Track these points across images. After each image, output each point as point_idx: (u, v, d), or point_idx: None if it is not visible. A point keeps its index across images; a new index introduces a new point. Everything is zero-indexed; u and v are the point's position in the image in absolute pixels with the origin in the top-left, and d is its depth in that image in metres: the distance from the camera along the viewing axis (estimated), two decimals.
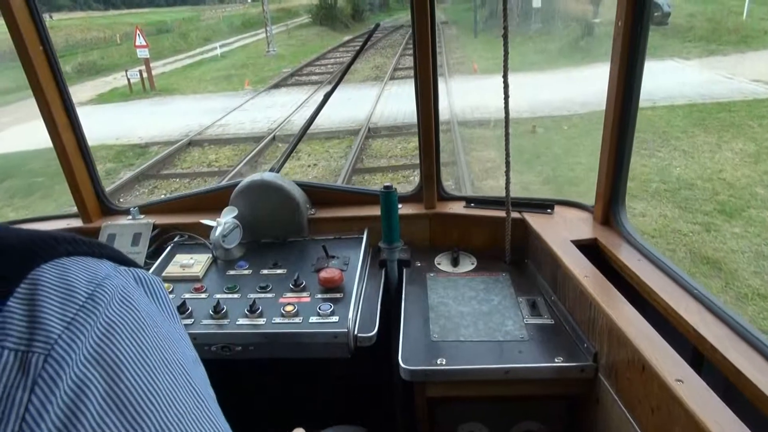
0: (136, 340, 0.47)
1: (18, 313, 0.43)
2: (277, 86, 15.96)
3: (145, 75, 15.57)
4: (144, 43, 15.30)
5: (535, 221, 1.70)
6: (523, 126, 8.87)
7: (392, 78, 15.71)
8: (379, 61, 19.79)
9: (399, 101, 12.46)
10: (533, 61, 14.40)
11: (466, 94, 11.53)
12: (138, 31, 15.52)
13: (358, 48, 2.04)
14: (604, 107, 1.49)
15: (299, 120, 11.39)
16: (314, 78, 16.77)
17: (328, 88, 2.00)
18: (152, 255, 1.84)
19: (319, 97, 1.92)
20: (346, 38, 27.70)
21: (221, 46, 25.15)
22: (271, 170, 1.91)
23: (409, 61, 16.21)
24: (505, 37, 1.46)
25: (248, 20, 37.45)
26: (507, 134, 1.57)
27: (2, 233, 0.47)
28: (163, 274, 1.71)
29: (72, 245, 0.49)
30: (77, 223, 1.99)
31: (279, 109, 12.80)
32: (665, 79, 10.98)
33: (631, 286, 1.36)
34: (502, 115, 1.54)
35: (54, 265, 0.46)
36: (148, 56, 15.71)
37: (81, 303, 0.45)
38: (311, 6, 36.43)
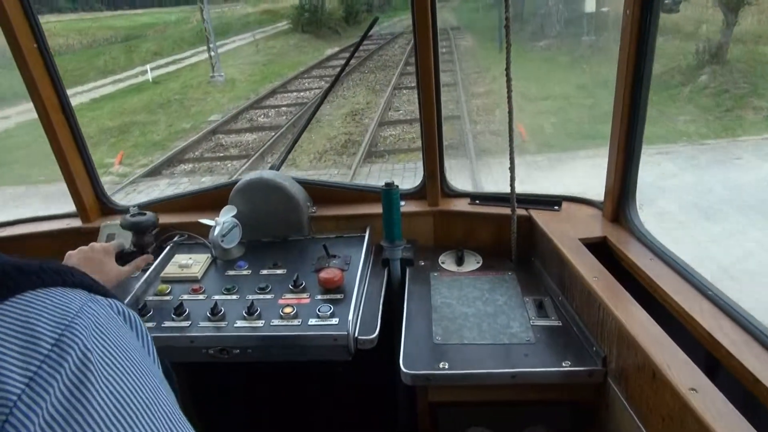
0: (114, 386, 0.42)
1: None
2: (169, 164, 9.16)
3: None
4: None
5: (542, 218, 1.64)
6: None
7: (379, 151, 8.72)
8: (360, 99, 12.73)
9: None
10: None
11: None
12: None
13: (340, 69, 1.97)
14: None
15: None
16: (269, 120, 11.53)
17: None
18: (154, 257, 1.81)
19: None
20: (329, 52, 21.61)
21: (163, 65, 19.62)
22: (271, 168, 1.87)
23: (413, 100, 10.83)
24: (507, 28, 1.40)
25: (226, 25, 29.80)
26: (510, 126, 1.51)
27: None
28: (162, 274, 1.67)
29: (39, 276, 0.43)
30: (76, 222, 1.97)
31: None
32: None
33: (642, 287, 1.30)
34: None
35: (16, 303, 0.40)
36: None
37: (45, 352, 0.39)
38: (289, 9, 29.36)
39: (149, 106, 14.09)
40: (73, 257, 1.40)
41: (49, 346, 0.40)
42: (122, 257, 1.53)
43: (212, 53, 16.59)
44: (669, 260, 1.32)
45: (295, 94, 14.35)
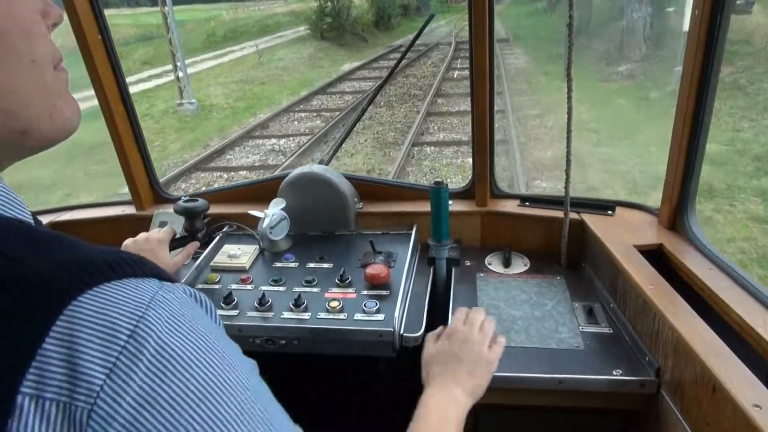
0: (192, 371, 0.43)
1: (55, 357, 0.39)
2: None
3: None
4: None
5: (595, 223, 1.60)
6: None
7: None
8: (359, 164, 8.30)
9: None
10: None
11: None
12: None
13: (392, 68, 1.96)
14: None
15: None
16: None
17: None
18: (202, 244, 1.85)
19: None
20: (346, 67, 17.87)
21: (145, 79, 16.68)
22: (320, 163, 1.89)
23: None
24: (570, 26, 1.37)
25: (241, 28, 26.85)
26: (569, 128, 1.48)
27: (30, 261, 0.42)
28: (212, 263, 1.71)
29: (112, 268, 0.44)
30: (131, 209, 2.03)
31: None
32: None
33: (700, 298, 1.26)
34: None
35: (92, 296, 0.42)
36: None
37: (123, 343, 0.41)
38: (310, 12, 24.69)
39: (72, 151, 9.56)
40: (129, 247, 1.46)
41: (125, 337, 0.41)
42: (173, 242, 1.58)
43: (179, 73, 12.36)
44: (730, 271, 1.27)
45: (271, 141, 10.13)
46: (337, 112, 11.59)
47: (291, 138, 10.31)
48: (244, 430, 0.44)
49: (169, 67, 13.49)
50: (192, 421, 0.41)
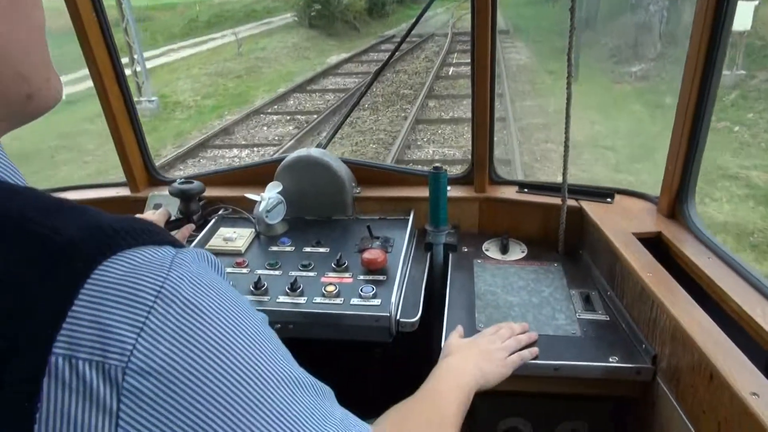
0: (216, 324, 0.47)
1: (85, 319, 0.41)
2: None
3: None
4: None
5: (593, 210, 1.60)
6: None
7: None
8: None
9: None
10: None
11: None
12: None
13: (389, 55, 1.93)
14: None
15: None
16: None
17: None
18: (197, 227, 1.84)
19: None
20: (333, 59, 16.21)
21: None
22: (318, 146, 1.87)
23: None
24: (572, 10, 1.35)
25: (227, 13, 24.35)
26: (568, 115, 1.47)
27: (60, 224, 0.44)
28: (207, 246, 1.70)
29: (133, 236, 0.46)
30: (125, 191, 2.01)
31: None
32: None
33: (698, 286, 1.25)
34: None
35: (117, 260, 0.44)
36: None
37: (150, 304, 0.43)
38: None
39: None
40: None
41: (152, 298, 0.44)
42: (168, 224, 1.57)
43: (137, 68, 10.90)
44: (729, 260, 1.26)
45: (232, 153, 8.62)
46: (315, 116, 10.00)
47: (256, 149, 8.75)
48: (264, 367, 0.48)
49: (154, 51, 12.77)
50: (221, 363, 0.45)
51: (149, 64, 13.00)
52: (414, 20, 1.93)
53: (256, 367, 0.48)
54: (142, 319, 0.42)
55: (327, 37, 20.77)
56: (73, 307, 0.41)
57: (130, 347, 0.41)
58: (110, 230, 0.45)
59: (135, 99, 8.02)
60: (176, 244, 0.51)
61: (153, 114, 10.98)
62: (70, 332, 0.40)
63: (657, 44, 9.40)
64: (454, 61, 14.68)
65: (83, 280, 0.42)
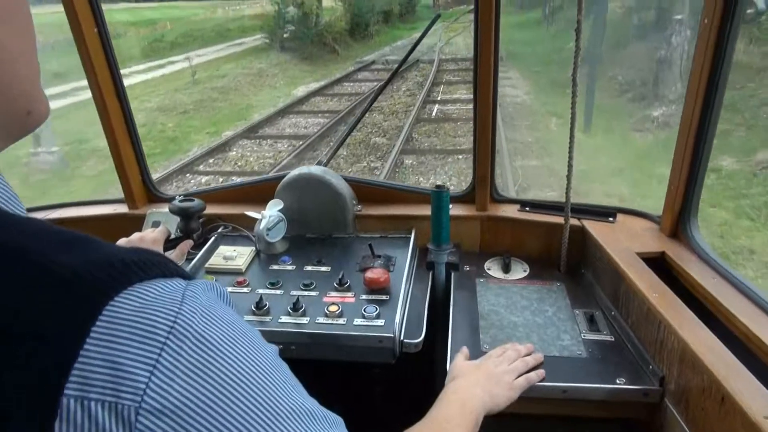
0: (229, 358, 0.46)
1: (97, 358, 0.40)
2: None
3: None
4: None
5: (596, 229, 1.59)
6: None
7: None
8: None
9: None
10: None
11: None
12: None
13: (393, 72, 1.92)
14: None
15: None
16: None
17: None
18: (197, 245, 1.81)
19: None
20: (301, 91, 13.60)
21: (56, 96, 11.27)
22: (318, 164, 1.86)
23: None
24: (577, 31, 1.36)
25: (197, 32, 21.84)
26: (572, 134, 1.47)
27: (66, 258, 0.43)
28: (206, 265, 1.68)
29: (143, 269, 0.45)
30: (123, 208, 1.99)
31: None
32: None
33: (704, 307, 1.25)
34: None
35: (128, 295, 0.43)
36: None
37: (163, 341, 0.42)
38: (269, 18, 20.43)
39: None
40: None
41: (165, 334, 0.42)
42: (168, 243, 1.55)
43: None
44: (734, 280, 1.26)
45: None
46: (255, 176, 6.41)
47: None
48: (278, 401, 0.47)
49: (82, 83, 9.52)
50: (236, 399, 0.44)
51: (84, 95, 9.74)
52: (416, 40, 1.93)
53: (270, 402, 0.47)
54: (155, 356, 0.41)
55: (300, 62, 18.33)
56: (85, 346, 0.40)
57: (143, 386, 0.40)
58: (120, 264, 0.44)
59: (31, 150, 6.81)
60: (185, 275, 0.50)
61: (54, 169, 8.12)
62: (82, 372, 0.39)
63: (677, 83, 8.19)
64: (440, 98, 12.12)
65: (94, 317, 0.41)
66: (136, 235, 1.49)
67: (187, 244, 1.60)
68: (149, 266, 0.46)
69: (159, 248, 1.48)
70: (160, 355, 0.41)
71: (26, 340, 0.39)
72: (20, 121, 0.52)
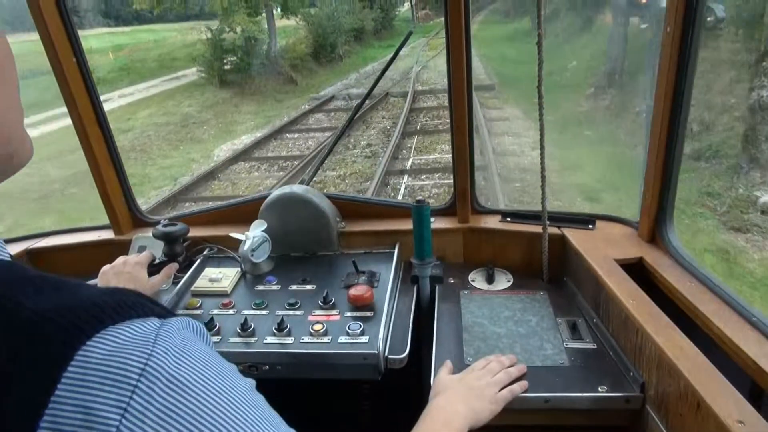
0: (201, 397, 0.46)
1: (69, 403, 0.41)
2: None
3: None
4: None
5: (575, 237, 1.61)
6: None
7: None
8: None
9: None
10: None
11: None
12: None
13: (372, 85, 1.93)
14: None
15: None
16: None
17: None
18: (182, 268, 1.83)
19: None
20: (222, 150, 10.15)
21: None
22: (301, 182, 1.88)
23: None
24: (539, 45, 1.38)
25: (137, 63, 18.70)
26: (542, 144, 1.49)
27: (34, 305, 0.44)
28: (192, 288, 1.68)
29: (117, 311, 0.46)
30: (108, 234, 2.00)
31: None
32: None
33: (681, 311, 1.27)
34: None
35: (101, 339, 0.44)
36: None
37: (134, 384, 0.43)
38: (203, 47, 16.26)
39: None
40: (107, 273, 1.44)
41: (136, 377, 0.43)
42: (153, 267, 1.57)
43: None
44: (710, 284, 1.28)
45: None
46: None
47: None
48: None
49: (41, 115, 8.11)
50: None
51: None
52: (391, 56, 1.95)
53: None
54: (126, 400, 0.42)
55: (243, 99, 14.53)
56: (56, 392, 0.40)
57: (114, 430, 0.41)
58: (92, 306, 0.45)
59: None
60: (162, 314, 0.51)
61: None
62: (53, 417, 0.40)
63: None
64: (410, 163, 8.38)
65: (66, 363, 0.41)
66: (120, 260, 1.51)
67: (172, 267, 1.62)
68: (123, 308, 0.47)
69: (143, 270, 1.50)
70: (131, 398, 0.42)
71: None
72: (2, 164, 0.54)
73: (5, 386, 0.40)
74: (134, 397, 0.42)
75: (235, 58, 16.03)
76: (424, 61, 19.00)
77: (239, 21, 16.13)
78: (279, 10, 19.22)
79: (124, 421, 0.41)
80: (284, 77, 16.52)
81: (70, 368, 0.41)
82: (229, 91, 15.26)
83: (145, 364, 0.44)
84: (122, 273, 1.46)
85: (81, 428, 0.40)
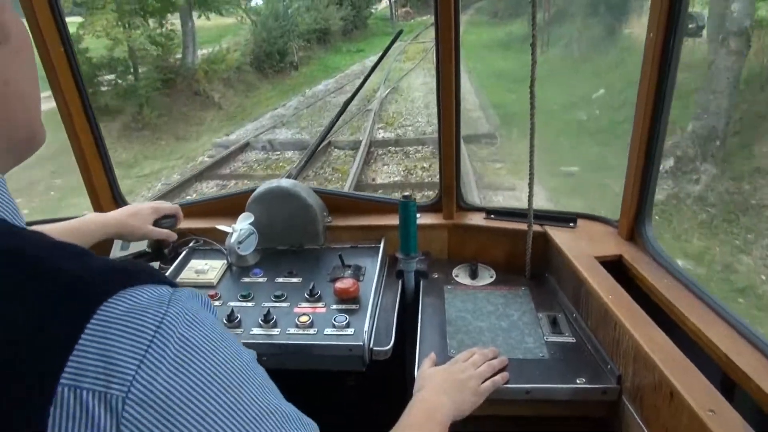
0: (209, 359, 0.50)
1: (91, 352, 0.45)
2: None
3: None
4: None
5: (558, 235, 1.65)
6: None
7: None
8: None
9: None
10: None
11: None
12: None
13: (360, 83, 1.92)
14: None
15: None
16: None
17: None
18: (168, 260, 1.83)
19: None
20: None
21: None
22: (288, 177, 1.89)
23: None
24: (533, 45, 1.42)
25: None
26: (532, 142, 1.53)
27: (66, 264, 0.49)
28: (178, 279, 1.69)
29: (134, 276, 0.51)
30: None
31: None
32: None
33: (657, 307, 1.31)
34: None
35: (120, 298, 0.48)
36: None
37: (150, 337, 0.47)
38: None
39: None
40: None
41: (152, 333, 0.47)
42: (162, 219, 1.61)
43: None
44: (685, 281, 1.33)
45: None
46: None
47: None
48: (252, 401, 0.52)
49: None
50: (214, 396, 0.49)
51: None
52: (379, 56, 1.96)
53: (246, 401, 0.51)
54: (143, 352, 0.46)
55: (128, 135, 10.62)
56: (80, 341, 0.44)
57: (131, 377, 0.45)
58: (113, 272, 0.50)
59: None
60: (172, 284, 0.55)
61: None
62: (77, 364, 0.44)
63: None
64: None
65: (90, 315, 0.46)
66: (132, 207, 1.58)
67: (171, 236, 1.65)
68: (140, 273, 0.52)
69: (150, 216, 1.56)
70: (147, 350, 0.46)
71: (30, 332, 0.44)
72: (23, 146, 0.59)
73: (41, 340, 0.44)
74: (150, 350, 0.46)
75: (114, 77, 11.25)
76: (396, 78, 14.10)
77: (99, 25, 10.85)
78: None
79: (140, 371, 0.45)
80: (203, 98, 12.12)
81: (93, 320, 0.45)
82: (116, 121, 10.59)
83: (161, 322, 0.48)
84: (135, 205, 1.57)
85: (101, 374, 0.44)
